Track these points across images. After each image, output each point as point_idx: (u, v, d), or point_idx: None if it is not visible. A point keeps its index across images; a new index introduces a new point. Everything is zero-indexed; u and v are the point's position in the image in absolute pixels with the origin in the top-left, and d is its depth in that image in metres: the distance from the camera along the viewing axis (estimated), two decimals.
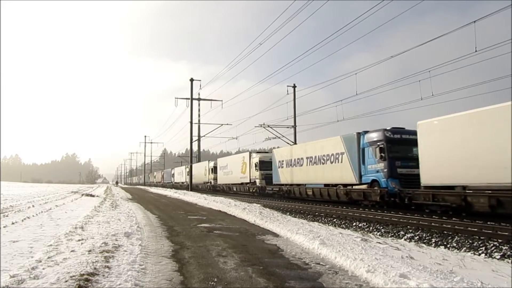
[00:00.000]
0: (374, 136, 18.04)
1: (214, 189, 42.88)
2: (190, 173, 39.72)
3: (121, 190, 49.35)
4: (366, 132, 18.68)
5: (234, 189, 37.17)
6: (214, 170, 43.57)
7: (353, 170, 18.90)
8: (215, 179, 43.11)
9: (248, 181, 33.57)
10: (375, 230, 11.99)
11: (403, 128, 17.99)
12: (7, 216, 11.90)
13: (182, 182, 57.23)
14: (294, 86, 35.53)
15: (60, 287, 4.10)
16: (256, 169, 32.21)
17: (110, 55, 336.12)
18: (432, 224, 11.36)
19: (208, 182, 45.75)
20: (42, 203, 18.73)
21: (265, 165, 31.09)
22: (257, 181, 31.95)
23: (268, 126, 33.30)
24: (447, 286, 4.43)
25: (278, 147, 33.11)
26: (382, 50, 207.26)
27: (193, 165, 49.54)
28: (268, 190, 29.13)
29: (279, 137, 33.59)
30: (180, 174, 61.25)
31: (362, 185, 18.36)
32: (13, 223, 9.97)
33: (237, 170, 36.34)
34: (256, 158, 32.70)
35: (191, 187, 37.91)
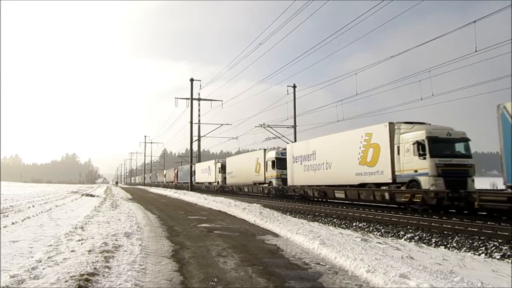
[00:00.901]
0: None
1: (281, 194, 26.61)
2: (190, 172, 39.65)
3: (121, 190, 49.33)
4: None
5: (340, 196, 19.59)
6: (279, 163, 27.93)
7: None
8: (280, 177, 27.74)
9: (390, 180, 16.72)
10: (375, 230, 11.99)
11: None
12: (7, 216, 11.91)
13: (210, 182, 44.01)
14: (294, 86, 35.57)
15: (60, 287, 4.11)
16: (419, 154, 15.43)
17: (110, 55, 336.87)
18: (432, 224, 11.36)
19: (265, 183, 29.80)
20: (42, 203, 18.73)
21: (443, 147, 15.53)
22: (427, 181, 15.03)
23: (268, 126, 33.36)
24: (447, 286, 4.43)
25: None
26: (382, 50, 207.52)
27: (231, 158, 40.73)
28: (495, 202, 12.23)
29: (279, 137, 33.63)
30: (205, 172, 45.71)
31: None
32: (13, 223, 9.97)
33: (348, 159, 19.26)
34: (413, 133, 16.06)
35: (192, 187, 37.87)
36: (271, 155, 29.55)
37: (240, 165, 35.60)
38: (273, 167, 28.82)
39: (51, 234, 8.18)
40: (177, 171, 60.50)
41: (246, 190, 33.37)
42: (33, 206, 16.36)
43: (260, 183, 30.88)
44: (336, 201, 20.48)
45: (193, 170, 50.02)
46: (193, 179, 50.98)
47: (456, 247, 9.17)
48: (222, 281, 4.84)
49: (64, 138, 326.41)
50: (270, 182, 29.15)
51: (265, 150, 31.36)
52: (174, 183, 60.29)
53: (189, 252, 6.73)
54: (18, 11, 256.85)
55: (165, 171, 73.29)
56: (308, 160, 23.48)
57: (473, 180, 15.40)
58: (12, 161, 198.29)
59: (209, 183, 44.40)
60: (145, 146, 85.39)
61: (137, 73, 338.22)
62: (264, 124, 33.30)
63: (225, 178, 39.13)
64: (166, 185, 63.00)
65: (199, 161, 49.01)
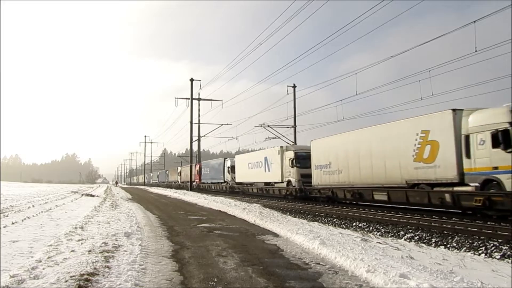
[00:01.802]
0: None
1: None
2: (190, 171, 39.53)
3: (121, 190, 49.32)
4: None
5: None
6: None
7: None
8: None
9: None
10: (375, 230, 11.98)
11: None
12: (7, 216, 11.91)
13: (268, 183, 28.27)
14: (294, 86, 35.60)
15: (60, 287, 4.11)
16: None
17: (110, 55, 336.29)
18: (432, 224, 11.36)
19: (457, 183, 13.52)
20: (42, 203, 18.73)
21: None
22: None
23: (268, 126, 33.33)
24: (447, 286, 4.43)
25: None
26: (382, 50, 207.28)
27: (326, 140, 21.93)
28: None
29: (279, 137, 33.56)
30: (257, 167, 30.19)
31: None
32: (13, 223, 9.97)
33: None
34: None
35: (191, 187, 37.84)
36: (487, 118, 12.91)
37: (360, 148, 18.44)
38: (502, 145, 12.14)
39: (51, 234, 8.18)
40: (200, 168, 46.32)
41: (382, 197, 16.11)
42: (33, 206, 16.36)
43: (434, 184, 14.59)
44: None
45: (229, 165, 37.15)
46: (227, 178, 37.75)
47: (456, 247, 9.17)
48: (222, 281, 4.84)
49: (64, 138, 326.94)
50: (490, 182, 12.56)
51: (455, 111, 13.84)
52: (196, 182, 45.48)
53: (189, 252, 6.74)
54: (18, 11, 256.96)
55: (179, 168, 57.39)
56: None
57: None
58: (12, 161, 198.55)
59: (267, 183, 28.60)
60: (145, 146, 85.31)
61: (137, 73, 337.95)
62: (264, 124, 33.28)
63: (305, 175, 23.91)
64: (182, 186, 49.62)
65: (199, 161, 47.18)
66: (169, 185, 59.24)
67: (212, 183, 42.30)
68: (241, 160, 34.59)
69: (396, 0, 16.49)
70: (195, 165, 47.10)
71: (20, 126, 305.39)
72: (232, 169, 36.47)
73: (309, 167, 23.14)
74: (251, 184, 31.73)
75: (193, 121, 37.06)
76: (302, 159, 24.83)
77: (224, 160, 33.55)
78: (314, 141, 23.02)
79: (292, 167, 25.28)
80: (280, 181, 26.63)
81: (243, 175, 33.69)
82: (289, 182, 25.51)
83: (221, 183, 39.31)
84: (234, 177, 35.61)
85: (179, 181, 55.78)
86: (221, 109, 38.75)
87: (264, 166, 29.15)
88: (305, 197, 22.76)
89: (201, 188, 42.47)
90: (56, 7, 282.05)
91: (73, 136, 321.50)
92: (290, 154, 25.78)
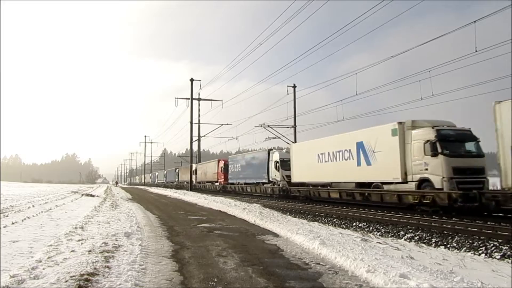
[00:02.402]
0: None
1: None
2: (190, 171, 39.43)
3: (121, 190, 49.31)
4: None
5: None
6: None
7: None
8: None
9: None
10: (375, 230, 11.98)
11: None
12: (7, 216, 11.91)
13: (370, 184, 17.44)
14: (294, 86, 35.60)
15: (60, 287, 4.11)
16: None
17: (110, 55, 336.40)
18: (432, 224, 11.37)
19: None
20: (42, 203, 18.73)
21: None
22: None
23: (268, 126, 33.27)
24: (447, 286, 4.43)
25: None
26: (382, 50, 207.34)
27: None
28: None
29: (279, 137, 33.51)
30: (338, 158, 19.80)
31: None
32: (13, 223, 9.97)
33: None
34: None
35: (191, 187, 37.81)
36: None
37: None
38: None
39: (51, 234, 8.18)
40: (225, 165, 38.13)
41: None
42: (33, 206, 16.36)
43: None
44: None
45: (277, 159, 27.59)
46: (275, 177, 27.94)
47: (456, 247, 9.17)
48: (222, 281, 4.84)
49: (64, 138, 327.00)
50: None
51: None
52: (219, 183, 38.71)
53: (189, 252, 6.74)
54: (18, 11, 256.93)
55: (194, 166, 43.56)
56: None
57: None
58: (12, 161, 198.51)
59: (361, 184, 18.35)
60: (145, 146, 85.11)
61: (137, 73, 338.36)
62: (264, 124, 33.24)
63: (460, 170, 14.22)
64: (198, 187, 42.15)
65: (199, 161, 47.27)
66: (180, 186, 51.87)
67: (246, 183, 32.63)
68: (303, 150, 23.96)
69: (396, 0, 16.49)
70: (218, 162, 40.74)
71: (20, 126, 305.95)
72: (283, 164, 26.93)
73: (466, 156, 14.63)
74: (323, 185, 21.51)
75: (193, 121, 37.04)
76: (451, 142, 14.72)
77: (269, 153, 26.01)
78: None
79: (433, 155, 14.47)
80: (399, 180, 15.87)
81: (306, 172, 23.28)
82: (422, 182, 15.06)
83: (264, 183, 29.59)
84: (287, 176, 26.04)
85: (194, 181, 43.60)
86: (221, 109, 38.72)
87: (357, 156, 18.52)
88: (485, 208, 12.77)
89: (228, 191, 34.64)
90: (56, 7, 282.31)
91: (73, 136, 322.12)
92: (424, 134, 15.09)
